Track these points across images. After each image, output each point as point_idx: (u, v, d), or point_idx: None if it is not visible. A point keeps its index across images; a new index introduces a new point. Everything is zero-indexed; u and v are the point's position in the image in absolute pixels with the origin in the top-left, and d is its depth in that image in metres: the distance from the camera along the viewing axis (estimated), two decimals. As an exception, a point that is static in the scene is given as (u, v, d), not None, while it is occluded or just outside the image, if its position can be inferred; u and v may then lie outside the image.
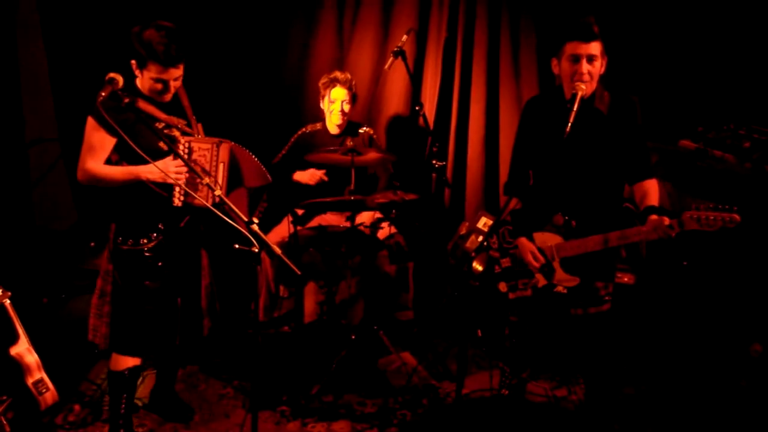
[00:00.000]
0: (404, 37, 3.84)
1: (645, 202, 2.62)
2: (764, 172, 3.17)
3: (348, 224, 3.54)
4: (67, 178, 4.28)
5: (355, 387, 3.39)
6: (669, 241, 2.51)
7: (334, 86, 3.84)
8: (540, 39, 4.16)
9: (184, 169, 2.53)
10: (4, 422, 2.70)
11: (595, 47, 2.56)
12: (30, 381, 2.68)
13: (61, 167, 4.30)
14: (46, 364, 2.73)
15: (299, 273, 2.29)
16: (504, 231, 2.87)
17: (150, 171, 2.53)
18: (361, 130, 3.98)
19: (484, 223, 3.77)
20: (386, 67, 3.86)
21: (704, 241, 2.95)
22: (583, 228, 2.67)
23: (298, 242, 3.62)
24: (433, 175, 4.33)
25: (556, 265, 2.72)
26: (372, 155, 3.53)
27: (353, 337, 3.48)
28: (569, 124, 2.47)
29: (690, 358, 3.41)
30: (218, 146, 2.62)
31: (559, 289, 2.75)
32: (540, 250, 2.72)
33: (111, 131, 2.51)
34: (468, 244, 3.74)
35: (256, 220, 2.27)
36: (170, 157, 2.54)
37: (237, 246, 2.54)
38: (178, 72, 2.58)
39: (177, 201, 2.58)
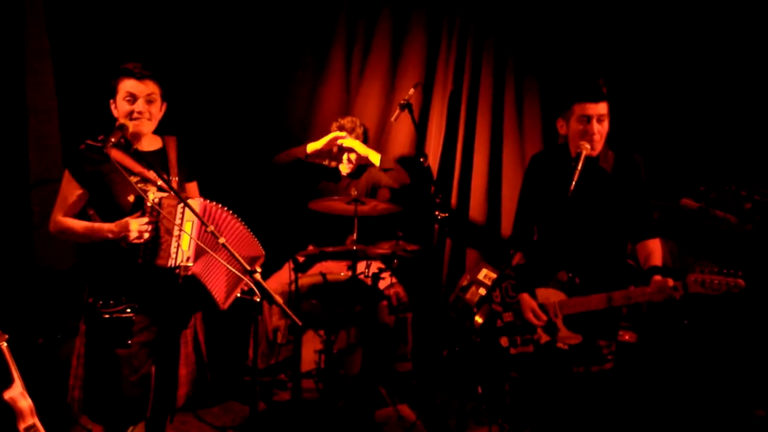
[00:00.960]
0: (411, 91, 3.89)
1: (649, 262, 2.63)
2: (766, 234, 3.18)
3: (349, 273, 3.53)
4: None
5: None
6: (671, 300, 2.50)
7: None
8: (543, 96, 4.24)
9: (148, 227, 2.41)
10: (-6, 468, 2.64)
11: (603, 107, 2.60)
12: (22, 426, 2.61)
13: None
14: (39, 407, 2.68)
15: (300, 324, 2.27)
16: (507, 285, 2.86)
17: (111, 229, 2.44)
18: (366, 173, 4.05)
19: (485, 274, 3.77)
20: (393, 119, 3.91)
21: (706, 301, 2.93)
22: (587, 285, 2.67)
23: (299, 291, 3.60)
24: (436, 225, 4.34)
25: (558, 322, 2.70)
26: (375, 205, 3.53)
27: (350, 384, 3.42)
28: (573, 182, 2.49)
29: (692, 420, 3.35)
30: (185, 205, 2.41)
31: (560, 345, 2.72)
32: (542, 306, 2.71)
33: (81, 182, 2.51)
34: (469, 296, 3.73)
35: (258, 269, 2.25)
36: (137, 215, 2.44)
37: (239, 294, 2.53)
38: (148, 89, 2.55)
39: (141, 260, 2.44)
